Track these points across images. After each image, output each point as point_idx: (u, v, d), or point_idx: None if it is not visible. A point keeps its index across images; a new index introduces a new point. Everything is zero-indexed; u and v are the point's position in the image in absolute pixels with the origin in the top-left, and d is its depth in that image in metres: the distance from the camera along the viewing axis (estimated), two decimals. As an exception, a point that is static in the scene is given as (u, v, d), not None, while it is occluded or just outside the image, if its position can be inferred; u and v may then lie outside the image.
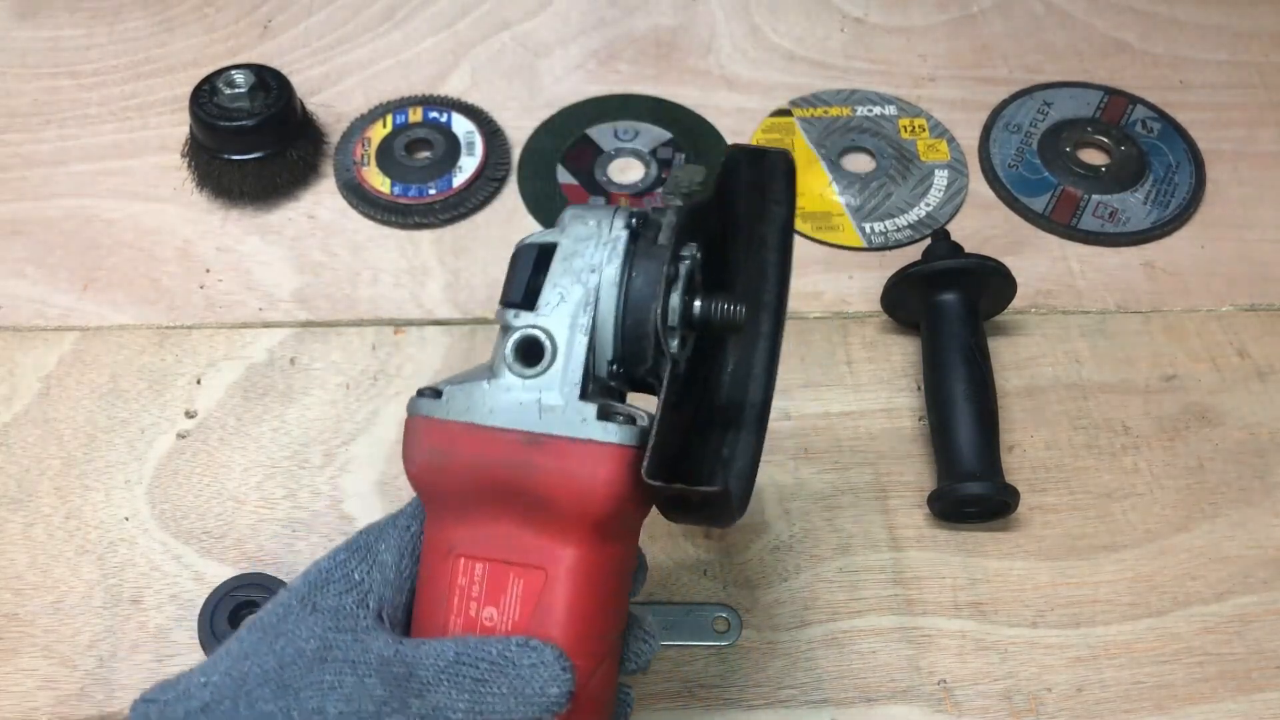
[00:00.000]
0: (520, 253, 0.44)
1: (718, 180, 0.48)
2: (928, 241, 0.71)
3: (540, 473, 0.41)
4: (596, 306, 0.42)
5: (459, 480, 0.42)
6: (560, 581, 0.42)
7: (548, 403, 0.41)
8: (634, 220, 0.43)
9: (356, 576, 0.44)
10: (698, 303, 0.44)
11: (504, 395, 0.41)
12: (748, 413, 0.51)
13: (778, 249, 0.51)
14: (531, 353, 0.42)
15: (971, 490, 0.61)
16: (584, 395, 0.41)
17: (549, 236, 0.44)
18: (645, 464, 0.40)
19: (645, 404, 0.45)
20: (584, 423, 0.41)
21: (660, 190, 0.79)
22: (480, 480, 0.41)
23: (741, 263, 0.51)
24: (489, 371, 0.43)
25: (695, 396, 0.49)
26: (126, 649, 0.60)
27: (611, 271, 0.42)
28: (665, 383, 0.42)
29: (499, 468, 0.41)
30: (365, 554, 0.44)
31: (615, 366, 0.43)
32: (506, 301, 0.43)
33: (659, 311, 0.42)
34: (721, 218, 0.49)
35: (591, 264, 0.42)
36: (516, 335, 0.42)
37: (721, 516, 0.44)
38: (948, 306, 0.67)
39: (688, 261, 0.44)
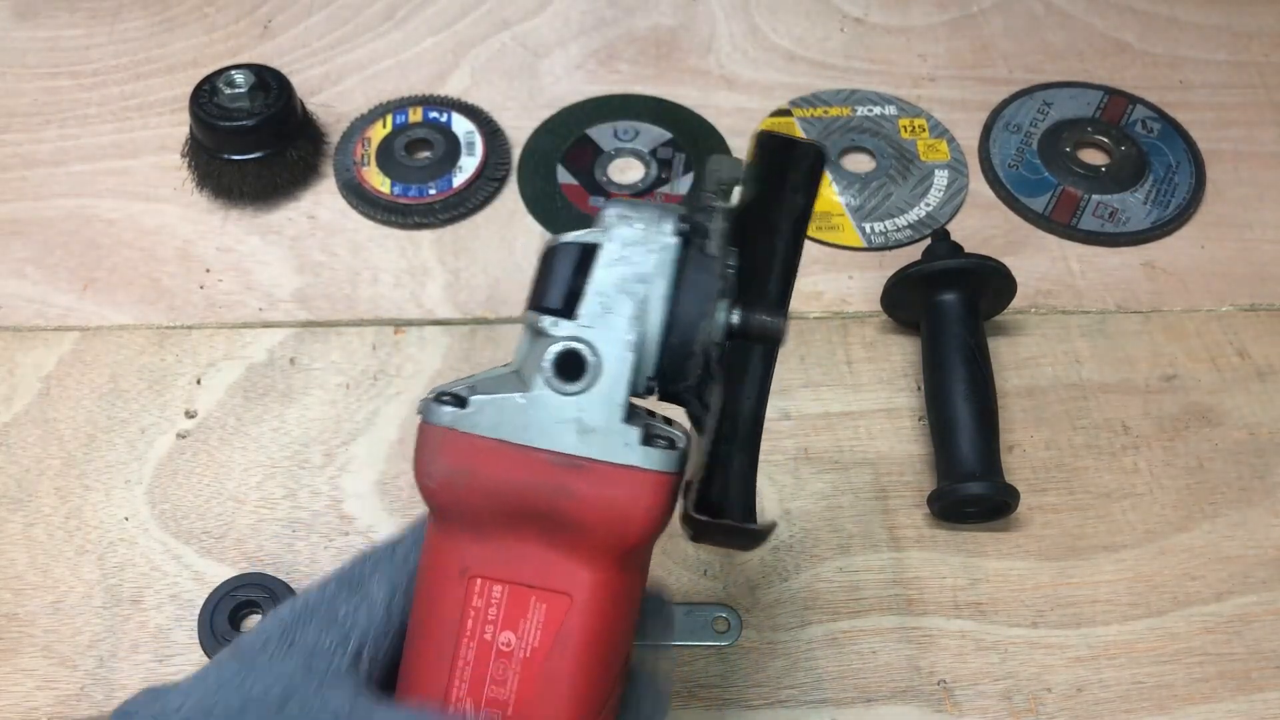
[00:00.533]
0: (557, 252, 0.40)
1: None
2: (928, 241, 0.71)
3: (577, 499, 0.38)
4: (644, 321, 0.39)
5: (483, 499, 0.39)
6: (585, 607, 0.40)
7: (589, 423, 0.38)
8: (684, 225, 0.40)
9: (342, 613, 0.42)
10: (736, 315, 0.41)
11: (539, 411, 0.38)
12: (742, 419, 0.48)
13: (788, 238, 0.47)
14: (572, 367, 0.38)
15: (971, 490, 0.61)
16: (627, 417, 0.38)
17: (590, 236, 0.40)
18: (693, 500, 0.38)
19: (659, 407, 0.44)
20: (627, 447, 0.38)
21: (680, 189, 0.79)
22: (508, 501, 0.39)
23: (747, 251, 0.48)
24: (519, 381, 0.39)
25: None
26: (126, 649, 0.60)
27: (663, 285, 0.39)
28: (714, 409, 0.40)
29: (531, 490, 0.39)
30: (356, 588, 0.42)
31: (652, 382, 0.40)
32: (542, 306, 0.39)
33: (709, 330, 0.39)
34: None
35: (641, 273, 0.39)
36: (557, 347, 0.38)
37: (753, 546, 0.42)
38: (948, 306, 0.67)
39: (732, 272, 0.41)
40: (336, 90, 0.85)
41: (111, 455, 0.66)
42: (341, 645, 0.41)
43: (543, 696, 0.40)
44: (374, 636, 0.42)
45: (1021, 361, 0.71)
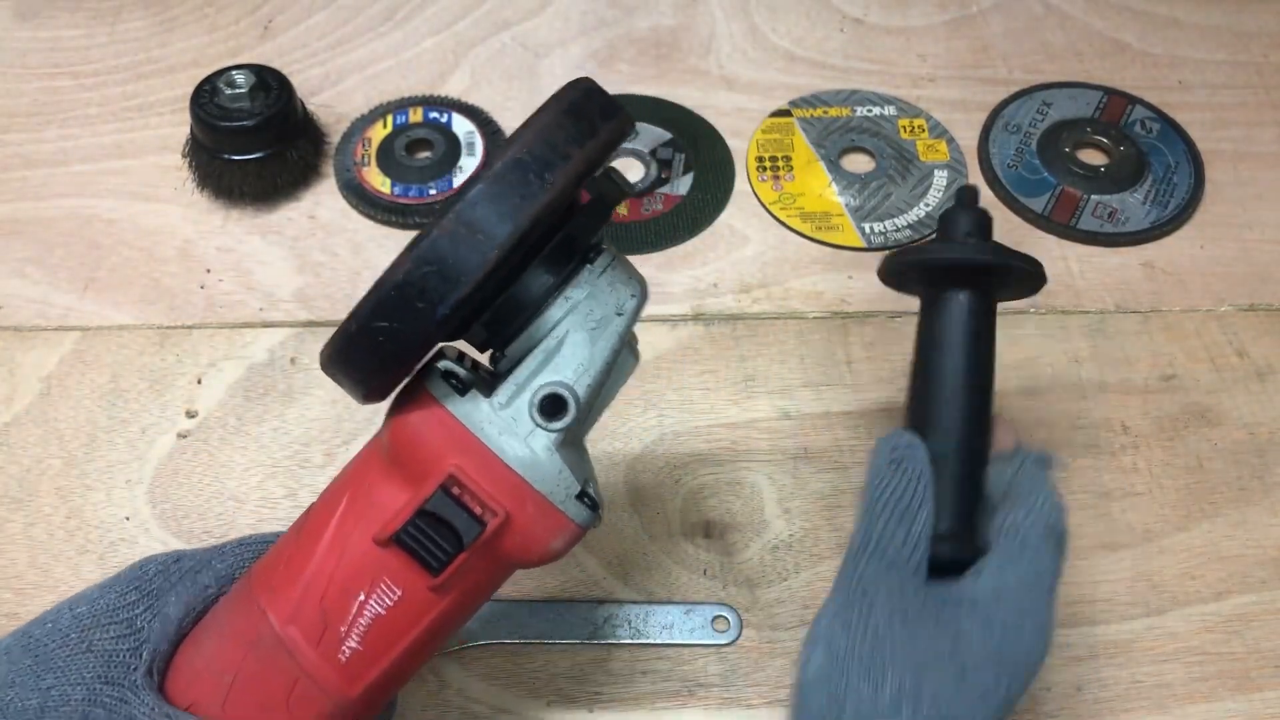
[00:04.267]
0: None
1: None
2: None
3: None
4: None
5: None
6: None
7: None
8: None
9: (139, 624, 0.43)
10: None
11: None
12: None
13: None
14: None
15: (942, 554, 0.48)
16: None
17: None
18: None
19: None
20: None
21: (680, 189, 0.79)
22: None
23: None
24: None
25: None
26: (127, 649, 0.60)
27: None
28: None
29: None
30: (152, 602, 0.44)
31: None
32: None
33: None
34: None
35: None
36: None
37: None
38: (955, 311, 0.55)
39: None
40: (337, 90, 0.85)
41: (112, 455, 0.66)
42: (136, 654, 0.42)
43: None
44: (164, 650, 0.43)
45: (1021, 361, 0.71)
